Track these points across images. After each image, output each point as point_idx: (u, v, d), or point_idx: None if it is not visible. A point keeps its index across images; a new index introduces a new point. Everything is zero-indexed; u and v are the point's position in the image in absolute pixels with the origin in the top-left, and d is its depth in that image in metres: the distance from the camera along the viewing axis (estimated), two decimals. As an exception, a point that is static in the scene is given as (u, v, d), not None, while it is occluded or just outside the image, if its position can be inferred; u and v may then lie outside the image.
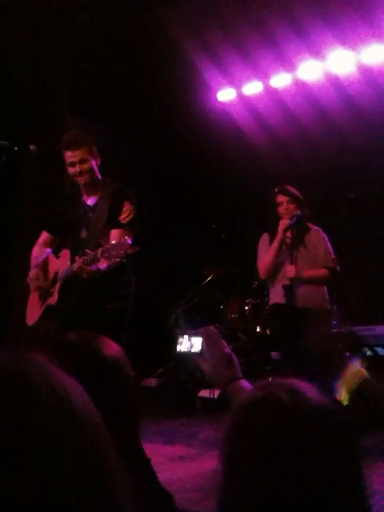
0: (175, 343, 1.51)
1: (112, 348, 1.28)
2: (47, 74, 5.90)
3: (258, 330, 6.36)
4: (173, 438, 4.64)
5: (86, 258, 3.15)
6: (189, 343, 1.47)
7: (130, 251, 3.00)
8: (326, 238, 4.26)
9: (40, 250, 3.67)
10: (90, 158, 3.42)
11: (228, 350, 1.42)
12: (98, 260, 3.10)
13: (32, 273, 3.54)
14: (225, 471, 0.88)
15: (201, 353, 1.43)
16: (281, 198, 4.23)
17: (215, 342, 1.43)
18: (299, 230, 4.20)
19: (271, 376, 5.80)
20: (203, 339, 1.44)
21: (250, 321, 6.42)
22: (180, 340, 1.50)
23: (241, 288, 6.68)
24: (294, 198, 4.21)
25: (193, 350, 1.44)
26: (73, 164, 3.42)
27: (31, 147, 3.12)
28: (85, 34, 5.76)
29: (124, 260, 3.13)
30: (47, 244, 3.71)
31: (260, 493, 0.81)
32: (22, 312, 3.74)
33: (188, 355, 1.47)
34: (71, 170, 3.45)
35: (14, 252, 5.66)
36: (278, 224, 4.19)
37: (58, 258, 3.59)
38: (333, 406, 0.89)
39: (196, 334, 1.44)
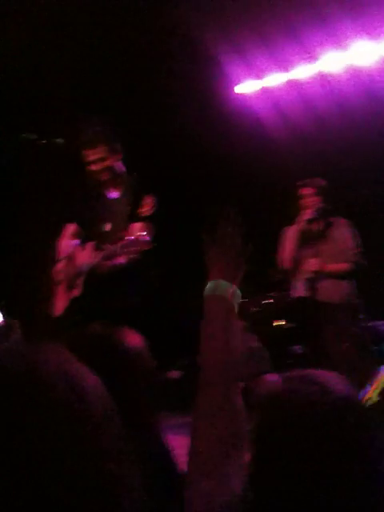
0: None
1: (134, 339, 1.29)
2: (67, 67, 5.92)
3: (279, 323, 6.33)
4: (195, 431, 4.64)
5: (105, 252, 3.18)
6: None
7: (146, 247, 3.01)
8: (353, 232, 4.18)
9: (66, 243, 3.70)
10: (108, 155, 3.42)
11: (258, 343, 1.39)
12: (118, 255, 3.12)
13: (60, 265, 3.57)
14: (251, 465, 0.88)
15: None
16: (305, 191, 4.19)
17: (244, 335, 1.42)
18: (325, 223, 4.15)
19: (292, 369, 5.76)
20: None
21: (269, 314, 6.40)
22: None
23: (260, 282, 6.65)
24: (319, 191, 4.17)
25: None
26: (93, 162, 3.44)
27: (58, 141, 3.15)
28: (104, 29, 5.77)
29: (143, 255, 3.14)
30: (73, 236, 3.74)
31: (289, 485, 0.82)
32: (48, 303, 3.78)
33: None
34: (92, 168, 3.47)
35: (39, 244, 5.72)
36: (302, 217, 4.17)
37: (83, 250, 3.62)
38: (358, 399, 0.89)
39: None
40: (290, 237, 4.30)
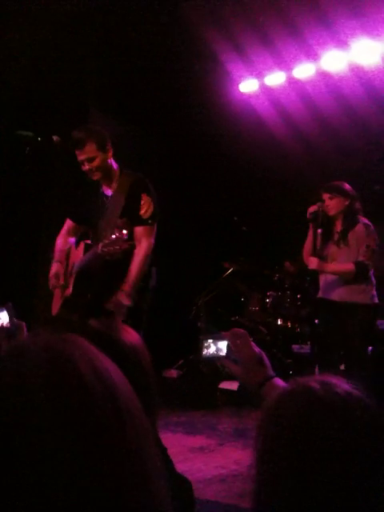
0: (200, 349, 1.47)
1: (132, 336, 1.29)
2: (72, 66, 5.92)
3: (278, 322, 6.34)
4: (193, 429, 4.65)
5: (91, 251, 3.18)
6: (214, 347, 1.43)
7: (124, 247, 2.99)
8: (369, 232, 4.15)
9: (64, 241, 3.69)
10: (98, 154, 3.39)
11: (258, 349, 1.38)
12: (100, 253, 3.09)
13: (53, 267, 3.55)
14: (259, 466, 0.87)
15: (228, 356, 1.39)
16: (324, 195, 4.21)
17: (244, 342, 1.38)
18: (345, 225, 4.15)
19: (292, 369, 5.80)
20: (230, 341, 1.39)
21: (271, 314, 6.41)
22: (205, 344, 1.46)
23: (262, 281, 6.66)
24: (334, 194, 4.17)
25: (220, 354, 1.40)
26: (82, 162, 3.42)
27: (55, 138, 3.14)
28: (108, 27, 5.77)
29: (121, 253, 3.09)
30: (71, 233, 3.73)
31: (295, 484, 0.81)
32: (46, 301, 3.78)
33: (215, 360, 1.43)
34: (83, 168, 3.45)
35: (38, 242, 5.72)
36: (324, 220, 4.20)
37: (77, 249, 3.62)
38: (364, 397, 0.88)
39: (221, 338, 1.41)
40: (310, 240, 4.28)
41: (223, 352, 1.39)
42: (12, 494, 0.55)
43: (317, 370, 4.59)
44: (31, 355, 0.63)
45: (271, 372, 1.35)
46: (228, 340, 1.40)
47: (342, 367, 4.39)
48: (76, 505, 0.56)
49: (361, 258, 4.05)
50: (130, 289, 3.30)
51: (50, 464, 0.56)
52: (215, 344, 1.43)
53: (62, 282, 3.51)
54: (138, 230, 3.36)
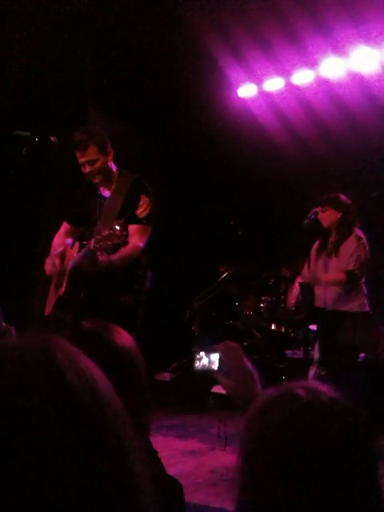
0: (193, 360, 1.46)
1: (125, 338, 1.29)
2: (71, 67, 5.93)
3: (272, 327, 6.35)
4: (185, 433, 4.65)
5: (85, 251, 3.17)
6: (207, 360, 1.42)
7: (115, 241, 2.98)
8: (359, 243, 4.24)
9: (61, 241, 3.68)
10: (99, 156, 3.38)
11: (250, 366, 1.36)
12: (94, 252, 3.07)
13: (47, 263, 3.54)
14: (243, 469, 0.88)
15: (220, 369, 1.37)
16: (317, 209, 4.30)
17: (237, 357, 1.37)
18: (339, 236, 4.27)
19: (285, 374, 5.80)
20: (223, 355, 1.37)
21: (266, 318, 6.41)
22: (198, 357, 1.45)
23: (257, 285, 6.67)
24: (326, 207, 4.26)
25: (212, 367, 1.38)
26: (83, 165, 3.42)
27: (52, 139, 3.13)
28: (108, 30, 5.78)
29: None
30: (68, 234, 3.72)
31: (279, 490, 0.81)
32: (42, 301, 3.77)
33: (207, 372, 1.41)
34: (83, 170, 3.45)
35: (36, 243, 5.71)
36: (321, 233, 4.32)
37: (72, 249, 3.61)
38: (348, 404, 0.89)
39: (214, 351, 1.39)
40: (314, 250, 4.41)
41: (216, 365, 1.38)
42: (8, 495, 0.55)
43: (309, 374, 4.62)
44: (10, 358, 0.63)
45: (260, 389, 1.33)
46: (220, 352, 1.38)
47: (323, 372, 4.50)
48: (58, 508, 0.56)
49: (351, 267, 4.15)
50: (102, 264, 3.22)
51: (35, 468, 0.56)
52: (208, 356, 1.42)
53: (57, 274, 3.49)
54: (132, 227, 3.34)
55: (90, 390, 0.63)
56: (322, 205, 4.29)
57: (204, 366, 1.22)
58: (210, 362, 1.21)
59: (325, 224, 4.30)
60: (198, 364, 1.24)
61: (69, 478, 0.57)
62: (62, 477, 0.57)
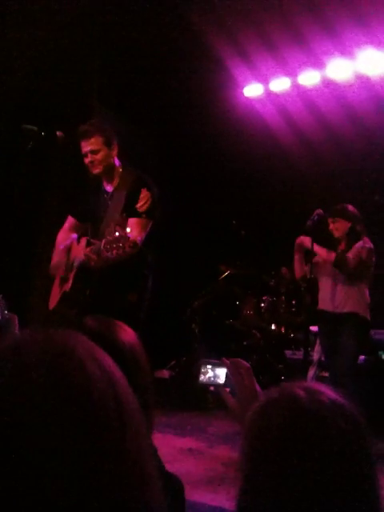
0: (198, 373, 1.44)
1: (129, 335, 1.29)
2: (77, 63, 5.93)
3: (272, 327, 6.35)
4: (183, 431, 4.65)
5: (93, 247, 3.15)
6: (212, 373, 1.39)
7: (128, 250, 2.93)
8: (365, 247, 4.24)
9: (65, 236, 3.67)
10: (103, 148, 3.37)
11: (259, 388, 1.29)
12: (103, 251, 3.04)
13: (55, 258, 3.54)
14: (243, 469, 0.88)
15: (226, 385, 1.33)
16: (328, 219, 4.35)
17: (246, 376, 1.32)
18: (348, 246, 4.29)
19: (284, 375, 5.80)
20: (231, 373, 1.31)
21: (266, 318, 6.41)
22: (203, 370, 1.42)
23: (258, 285, 6.67)
24: (336, 218, 4.31)
25: (218, 381, 1.35)
26: (86, 154, 3.40)
27: (58, 133, 3.13)
28: (115, 30, 5.78)
29: (126, 255, 3.03)
30: (73, 229, 3.71)
31: (279, 490, 0.82)
32: (45, 297, 3.77)
33: (212, 386, 1.38)
34: (85, 160, 3.43)
35: (38, 238, 5.72)
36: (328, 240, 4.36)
37: (78, 244, 3.60)
38: (348, 405, 0.89)
39: (220, 365, 1.35)
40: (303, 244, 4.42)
41: (221, 379, 1.35)
42: (12, 494, 0.55)
43: (309, 375, 4.63)
44: (31, 351, 0.62)
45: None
46: (228, 369, 1.32)
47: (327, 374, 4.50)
48: (76, 505, 0.56)
49: (348, 254, 4.14)
50: (90, 254, 3.19)
51: (51, 464, 0.56)
52: (213, 370, 1.39)
53: (62, 273, 3.49)
54: (131, 220, 3.31)
55: (109, 381, 0.63)
56: (333, 216, 4.31)
57: (210, 379, 1.22)
58: (215, 376, 1.21)
59: (337, 234, 4.33)
60: (202, 377, 1.24)
61: (78, 478, 0.57)
62: (75, 477, 0.57)
